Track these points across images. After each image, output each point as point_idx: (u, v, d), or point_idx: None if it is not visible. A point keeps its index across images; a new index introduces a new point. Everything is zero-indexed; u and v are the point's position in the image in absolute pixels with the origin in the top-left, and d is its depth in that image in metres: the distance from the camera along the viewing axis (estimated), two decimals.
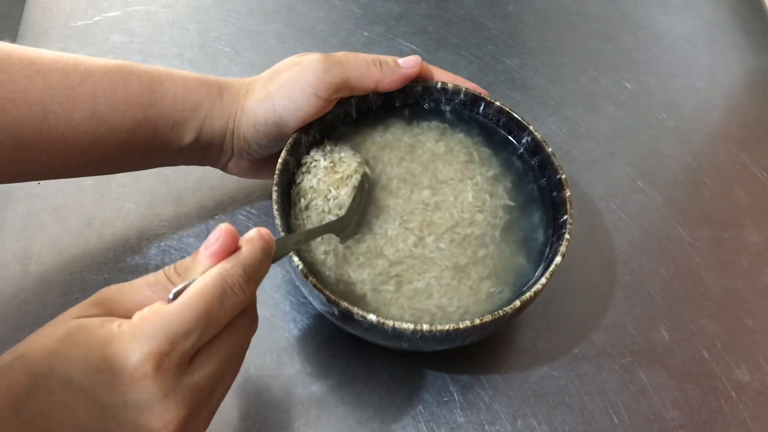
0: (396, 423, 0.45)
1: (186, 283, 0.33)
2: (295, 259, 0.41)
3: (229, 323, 0.33)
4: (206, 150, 0.48)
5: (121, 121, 0.43)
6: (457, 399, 0.47)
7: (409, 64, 0.49)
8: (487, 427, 0.46)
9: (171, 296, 0.32)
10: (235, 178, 0.52)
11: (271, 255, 0.35)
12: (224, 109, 0.46)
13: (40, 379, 0.30)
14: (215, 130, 0.46)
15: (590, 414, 0.47)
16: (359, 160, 0.47)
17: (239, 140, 0.47)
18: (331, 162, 0.47)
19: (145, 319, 0.31)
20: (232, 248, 0.34)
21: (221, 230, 0.33)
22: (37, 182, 0.53)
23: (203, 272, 0.33)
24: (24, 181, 0.45)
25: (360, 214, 0.46)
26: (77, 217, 0.52)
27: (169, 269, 0.34)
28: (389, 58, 0.48)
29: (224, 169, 0.50)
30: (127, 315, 0.32)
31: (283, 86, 0.45)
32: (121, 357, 0.30)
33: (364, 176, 0.47)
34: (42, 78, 0.41)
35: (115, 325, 0.31)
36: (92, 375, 0.30)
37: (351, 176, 0.46)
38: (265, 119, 0.45)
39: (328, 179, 0.46)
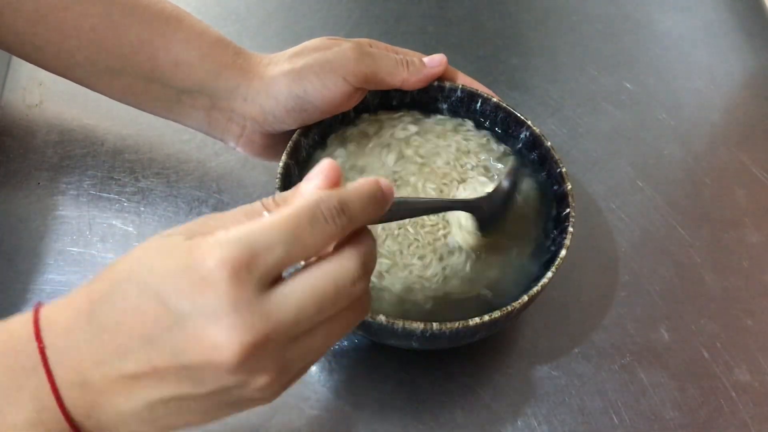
0: (396, 423, 0.45)
1: None
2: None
3: (322, 262, 0.31)
4: (212, 112, 0.47)
5: (126, 33, 0.45)
6: (457, 399, 0.47)
7: (434, 63, 0.49)
8: (487, 428, 0.46)
9: None
10: (234, 178, 0.52)
11: (379, 205, 0.33)
12: (236, 72, 0.46)
13: (119, 284, 0.30)
14: (222, 89, 0.46)
15: (590, 414, 0.47)
16: None
17: (253, 109, 0.46)
18: None
19: (228, 230, 0.30)
20: (334, 182, 0.32)
21: (325, 163, 0.32)
22: (37, 182, 0.53)
23: None
24: (36, 62, 0.47)
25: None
26: (77, 218, 0.52)
27: (267, 199, 0.32)
28: (415, 57, 0.49)
29: (237, 144, 0.49)
30: None
31: (313, 64, 0.45)
32: (199, 261, 0.29)
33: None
34: None
35: (200, 237, 0.30)
36: (169, 280, 0.29)
37: None
38: (289, 90, 0.45)
39: None
